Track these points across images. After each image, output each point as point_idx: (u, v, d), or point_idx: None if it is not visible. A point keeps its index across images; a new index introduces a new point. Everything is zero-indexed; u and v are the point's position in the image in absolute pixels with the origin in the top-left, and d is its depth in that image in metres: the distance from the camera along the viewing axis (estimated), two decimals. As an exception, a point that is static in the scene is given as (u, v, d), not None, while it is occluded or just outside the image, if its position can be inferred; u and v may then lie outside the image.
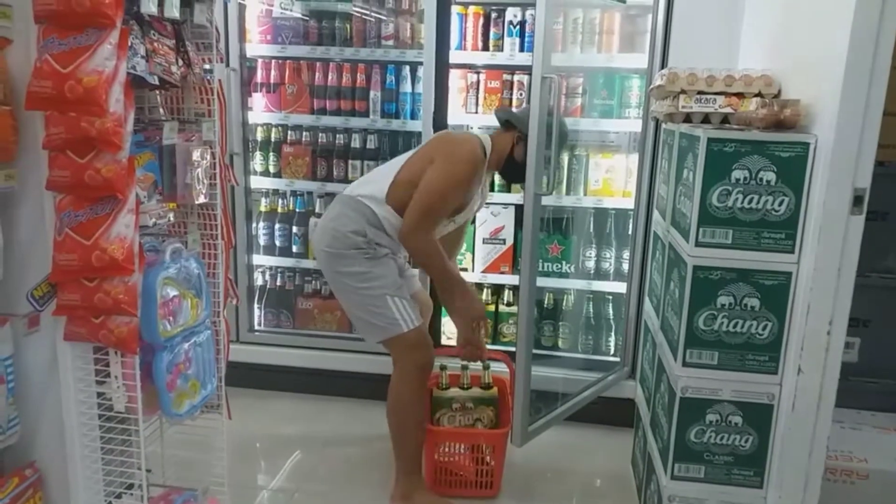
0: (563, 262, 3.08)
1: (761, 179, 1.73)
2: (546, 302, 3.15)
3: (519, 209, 3.05)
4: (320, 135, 3.16)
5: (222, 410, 1.91)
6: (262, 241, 3.25)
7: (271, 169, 3.17)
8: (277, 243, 3.23)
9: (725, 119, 2.01)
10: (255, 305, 3.30)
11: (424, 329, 2.40)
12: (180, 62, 1.60)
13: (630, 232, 2.91)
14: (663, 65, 2.62)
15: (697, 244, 1.80)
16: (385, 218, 2.32)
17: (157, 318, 1.56)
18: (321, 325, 3.26)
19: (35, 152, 1.46)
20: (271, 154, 3.17)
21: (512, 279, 3.14)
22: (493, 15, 2.96)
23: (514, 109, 2.69)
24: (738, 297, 1.80)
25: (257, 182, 3.21)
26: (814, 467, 1.79)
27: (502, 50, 2.95)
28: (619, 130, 3.14)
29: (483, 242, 3.11)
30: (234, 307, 3.15)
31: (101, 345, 1.54)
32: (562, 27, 2.90)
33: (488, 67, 2.99)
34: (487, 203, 3.00)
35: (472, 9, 2.96)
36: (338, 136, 3.13)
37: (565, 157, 2.98)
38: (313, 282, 3.30)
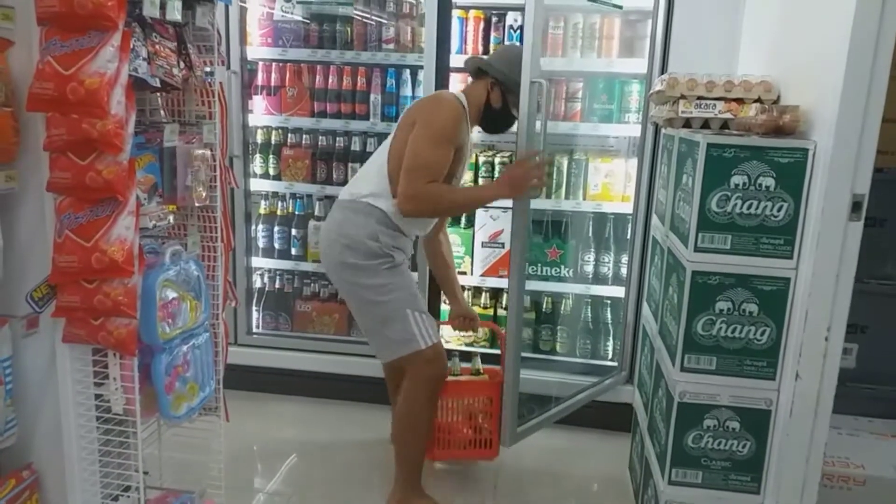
0: (562, 267, 3.08)
1: (760, 185, 1.73)
2: (544, 306, 3.15)
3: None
4: (320, 138, 3.16)
5: (220, 413, 1.91)
6: (261, 243, 3.25)
7: (271, 171, 3.18)
8: (276, 246, 3.23)
9: (725, 124, 2.02)
10: (254, 308, 3.30)
11: (441, 343, 2.33)
12: (182, 64, 1.61)
13: (629, 237, 2.92)
14: (663, 70, 2.63)
15: (696, 249, 1.80)
16: (395, 213, 2.24)
17: (156, 320, 1.56)
18: (319, 328, 3.26)
19: (36, 154, 1.47)
20: (271, 156, 3.17)
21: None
22: (494, 19, 2.96)
23: (484, 56, 2.55)
24: (736, 303, 1.81)
25: (257, 184, 3.21)
26: (811, 473, 1.79)
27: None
28: (618, 135, 3.14)
29: (482, 246, 3.11)
30: (233, 309, 3.15)
31: (100, 346, 1.54)
32: (562, 32, 2.91)
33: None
34: (487, 207, 3.01)
35: (472, 13, 2.96)
36: (338, 138, 3.13)
37: (564, 162, 2.98)
38: (312, 284, 3.30)
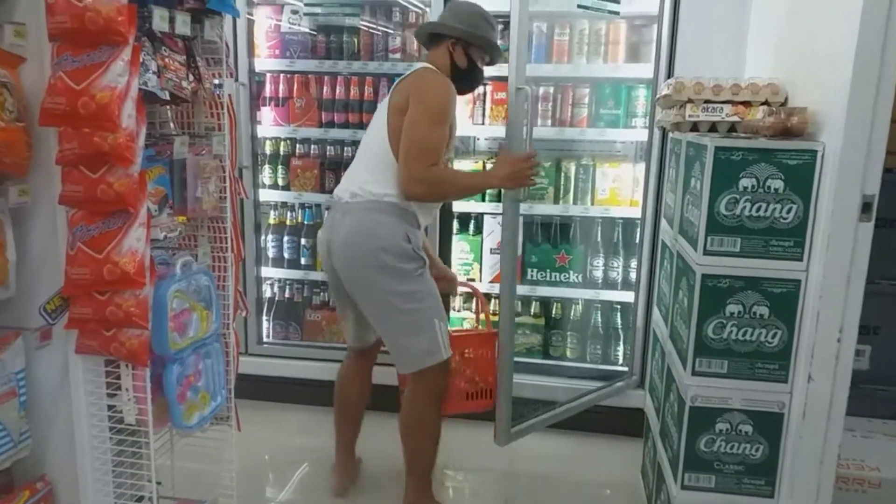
0: (571, 272, 3.08)
1: (769, 187, 1.73)
2: (554, 311, 3.14)
3: (526, 220, 3.06)
4: (328, 148, 3.18)
5: (232, 422, 1.92)
6: (270, 253, 3.26)
7: (280, 182, 3.19)
8: (286, 255, 3.24)
9: (732, 128, 2.01)
10: (264, 317, 3.31)
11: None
12: (191, 77, 1.63)
13: (637, 241, 2.91)
14: (669, 74, 2.63)
15: (706, 252, 1.80)
16: (418, 209, 2.21)
17: (167, 331, 1.57)
18: (329, 337, 3.27)
19: (48, 168, 1.48)
20: (280, 167, 3.19)
21: (520, 289, 3.13)
22: (500, 27, 2.97)
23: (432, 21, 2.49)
24: (746, 306, 1.80)
25: (266, 195, 3.23)
26: (825, 476, 1.77)
27: (508, 62, 2.95)
28: (625, 140, 3.14)
29: (490, 253, 3.11)
30: (243, 319, 3.16)
31: (113, 357, 1.55)
32: (568, 38, 2.92)
33: (494, 79, 2.99)
34: (494, 214, 3.01)
35: (477, 21, 2.97)
36: (346, 148, 3.15)
37: (572, 167, 2.99)
38: (321, 294, 3.31)
